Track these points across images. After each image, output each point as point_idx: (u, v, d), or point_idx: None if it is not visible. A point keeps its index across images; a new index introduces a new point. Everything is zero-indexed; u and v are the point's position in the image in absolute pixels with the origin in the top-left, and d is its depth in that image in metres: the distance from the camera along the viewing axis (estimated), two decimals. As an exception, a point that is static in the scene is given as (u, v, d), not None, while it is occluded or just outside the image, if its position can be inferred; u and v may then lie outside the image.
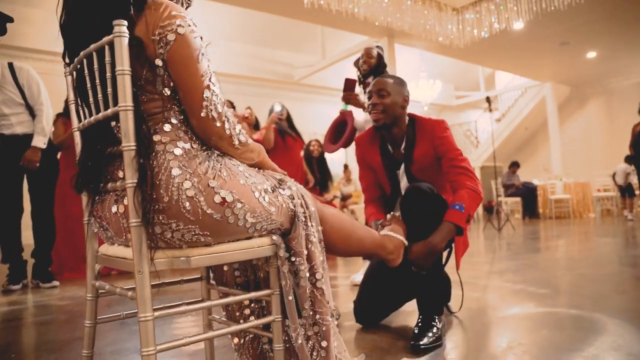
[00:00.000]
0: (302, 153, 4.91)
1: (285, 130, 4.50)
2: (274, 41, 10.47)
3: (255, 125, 4.80)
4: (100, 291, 1.21)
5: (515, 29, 7.80)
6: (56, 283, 3.44)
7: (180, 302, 1.45)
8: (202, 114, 1.05)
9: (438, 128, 1.98)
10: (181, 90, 1.05)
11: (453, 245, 1.91)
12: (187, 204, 1.00)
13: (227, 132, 1.10)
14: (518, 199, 10.05)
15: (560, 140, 11.92)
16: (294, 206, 1.23)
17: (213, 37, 9.70)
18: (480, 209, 11.95)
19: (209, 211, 1.02)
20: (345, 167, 9.49)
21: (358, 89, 3.29)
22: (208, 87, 1.06)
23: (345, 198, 8.93)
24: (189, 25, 1.04)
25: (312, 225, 1.26)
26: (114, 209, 1.05)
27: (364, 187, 2.23)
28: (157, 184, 0.99)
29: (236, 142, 1.14)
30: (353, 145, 2.39)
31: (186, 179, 1.00)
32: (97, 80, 1.03)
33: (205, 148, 1.10)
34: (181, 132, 1.06)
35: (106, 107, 1.03)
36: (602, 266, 3.31)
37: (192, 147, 1.06)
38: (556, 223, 8.35)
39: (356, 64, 3.33)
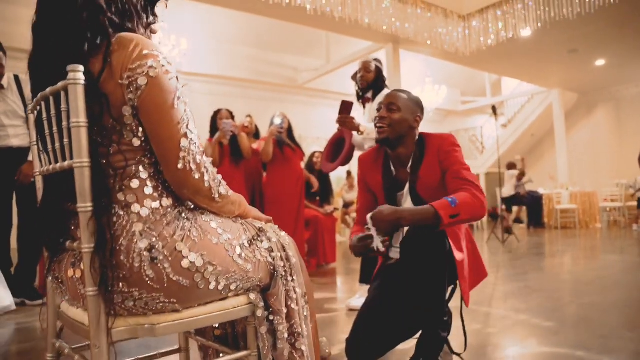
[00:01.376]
0: (302, 164, 4.81)
1: (284, 142, 4.40)
2: (278, 45, 10.37)
3: (255, 135, 4.71)
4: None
5: (523, 36, 7.66)
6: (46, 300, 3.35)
7: (155, 354, 1.36)
8: (179, 166, 0.94)
9: (445, 142, 1.86)
10: (154, 140, 0.94)
11: (457, 282, 1.80)
12: (150, 271, 0.90)
13: (207, 184, 0.99)
14: (523, 208, 9.90)
15: (567, 148, 11.75)
16: (273, 259, 1.13)
17: (218, 41, 9.62)
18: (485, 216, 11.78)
19: (175, 278, 0.92)
20: (349, 173, 9.37)
21: (357, 104, 3.19)
22: (185, 135, 0.94)
23: (347, 205, 8.82)
24: (163, 66, 0.92)
25: (292, 280, 1.16)
26: (70, 272, 0.95)
27: (357, 209, 2.12)
28: (117, 249, 0.88)
29: (216, 195, 1.03)
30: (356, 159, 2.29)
31: (150, 244, 0.90)
32: (55, 128, 0.93)
33: (178, 204, 0.99)
34: (150, 189, 0.95)
35: (64, 158, 0.93)
36: (610, 292, 3.18)
37: (161, 205, 0.95)
38: (562, 234, 8.20)
39: (354, 77, 3.22)
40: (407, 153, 1.91)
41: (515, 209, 9.74)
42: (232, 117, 4.34)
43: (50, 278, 1.05)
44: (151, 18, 1.07)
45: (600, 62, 9.83)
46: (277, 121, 4.25)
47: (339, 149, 3.12)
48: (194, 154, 0.96)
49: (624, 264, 4.46)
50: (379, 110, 1.92)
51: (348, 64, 9.47)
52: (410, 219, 1.56)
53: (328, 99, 11.46)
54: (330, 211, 5.03)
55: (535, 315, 2.64)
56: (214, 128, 4.32)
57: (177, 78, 0.96)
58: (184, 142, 0.94)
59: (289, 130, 4.49)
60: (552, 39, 8.05)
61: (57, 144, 0.93)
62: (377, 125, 1.88)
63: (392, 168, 1.97)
